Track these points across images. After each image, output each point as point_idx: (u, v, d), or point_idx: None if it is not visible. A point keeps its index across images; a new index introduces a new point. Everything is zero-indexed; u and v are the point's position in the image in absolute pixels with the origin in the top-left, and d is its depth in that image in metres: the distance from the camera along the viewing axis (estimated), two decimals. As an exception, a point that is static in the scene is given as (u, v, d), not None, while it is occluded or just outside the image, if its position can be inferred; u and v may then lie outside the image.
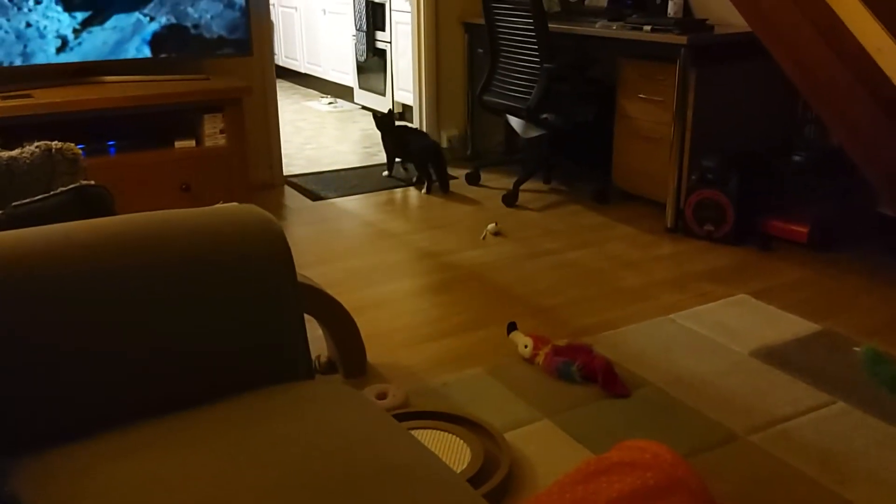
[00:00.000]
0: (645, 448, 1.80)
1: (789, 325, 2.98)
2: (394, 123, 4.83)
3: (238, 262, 1.41)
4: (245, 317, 1.41)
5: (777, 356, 2.76)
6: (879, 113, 2.81)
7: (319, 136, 6.17)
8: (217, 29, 4.05)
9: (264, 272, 1.43)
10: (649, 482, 1.68)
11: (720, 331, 2.94)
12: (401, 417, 2.27)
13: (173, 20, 3.96)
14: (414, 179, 4.84)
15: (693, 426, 2.35)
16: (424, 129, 5.23)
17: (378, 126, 4.81)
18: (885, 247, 3.73)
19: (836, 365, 2.70)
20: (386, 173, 4.98)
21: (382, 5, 6.23)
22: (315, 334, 2.48)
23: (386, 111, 4.88)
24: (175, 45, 4.02)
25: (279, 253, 1.45)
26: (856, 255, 3.67)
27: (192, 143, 3.93)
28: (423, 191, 4.70)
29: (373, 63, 6.54)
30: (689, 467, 1.75)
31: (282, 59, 8.14)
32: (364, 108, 6.89)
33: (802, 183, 3.87)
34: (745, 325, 2.99)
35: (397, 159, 4.94)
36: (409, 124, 5.26)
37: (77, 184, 1.54)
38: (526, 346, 2.71)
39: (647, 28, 3.95)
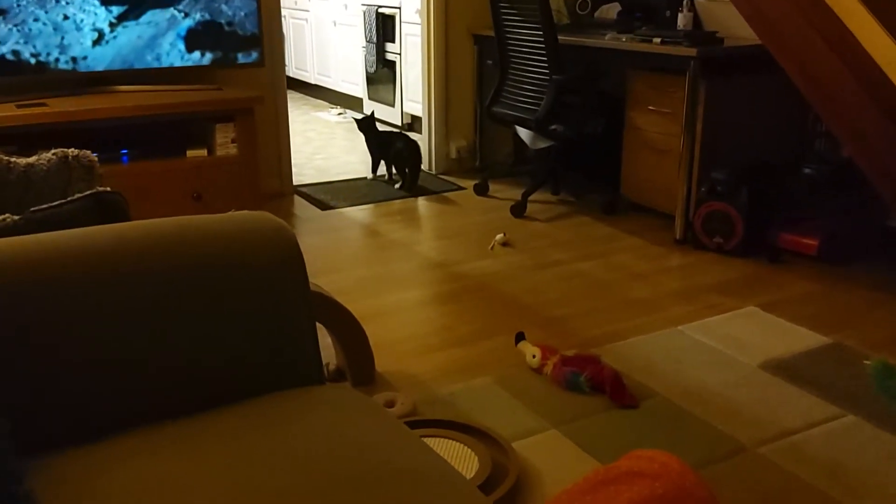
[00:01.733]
0: (654, 458, 1.80)
1: (799, 338, 2.98)
2: (375, 125, 4.97)
3: (251, 267, 1.42)
4: (258, 322, 1.42)
5: (786, 369, 2.76)
6: (889, 125, 2.81)
7: (329, 146, 6.19)
8: (250, 27, 4.09)
9: (277, 278, 1.44)
10: (658, 492, 1.68)
11: (729, 343, 2.94)
12: (409, 426, 2.27)
13: (207, 17, 4.00)
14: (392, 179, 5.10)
15: (702, 437, 2.35)
16: (433, 140, 5.26)
17: (360, 128, 4.98)
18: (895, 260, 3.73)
19: (846, 378, 2.70)
20: (370, 176, 5.15)
21: (392, 17, 6.26)
22: (324, 342, 2.48)
23: (368, 113, 5.03)
24: (208, 41, 4.06)
25: (292, 259, 1.46)
26: (866, 268, 3.67)
27: (204, 152, 3.95)
28: (397, 186, 4.95)
29: (382, 74, 6.57)
30: (697, 478, 1.75)
31: (292, 70, 8.18)
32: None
33: (813, 196, 3.87)
34: (754, 337, 2.99)
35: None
36: (393, 130, 5.39)
37: (93, 190, 1.55)
38: (534, 357, 2.72)
39: (657, 40, 3.97)
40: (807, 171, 3.89)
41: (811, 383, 2.66)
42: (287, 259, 1.45)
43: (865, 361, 2.78)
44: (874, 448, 2.31)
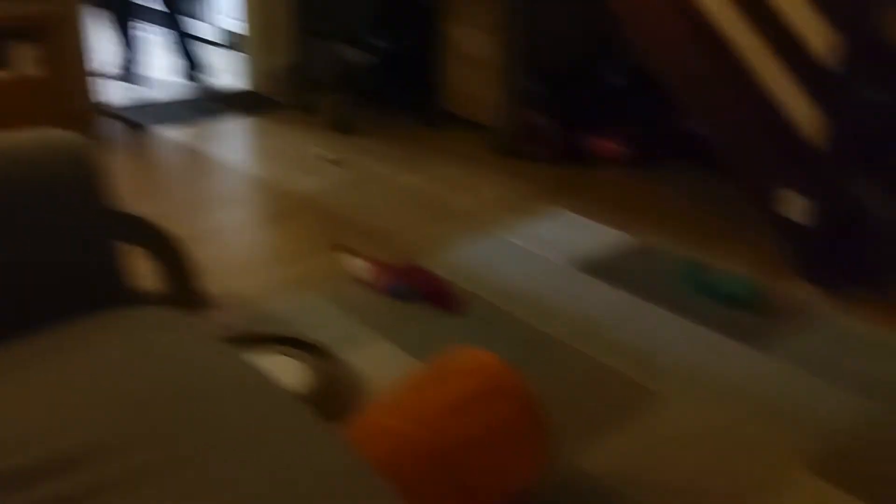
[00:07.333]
0: (474, 356, 1.87)
1: (608, 238, 3.14)
2: None
3: (38, 183, 1.33)
4: (53, 242, 1.34)
5: (596, 266, 2.90)
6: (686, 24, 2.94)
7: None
8: None
9: (69, 194, 1.36)
10: (477, 388, 1.75)
11: (544, 245, 3.05)
12: (238, 341, 2.26)
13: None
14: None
15: (521, 335, 2.46)
16: (253, 59, 5.10)
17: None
18: (696, 162, 3.95)
19: (653, 273, 2.87)
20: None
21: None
22: (147, 266, 2.42)
23: None
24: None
25: (83, 172, 1.37)
26: (670, 170, 3.87)
27: (2, 72, 3.70)
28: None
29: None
30: (514, 374, 1.83)
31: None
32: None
33: (622, 103, 4.03)
34: (567, 238, 3.12)
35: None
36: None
37: None
38: (361, 269, 2.75)
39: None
40: (617, 78, 4.04)
41: (620, 279, 2.81)
42: (77, 172, 1.37)
43: (671, 257, 2.96)
44: (675, 334, 2.48)
